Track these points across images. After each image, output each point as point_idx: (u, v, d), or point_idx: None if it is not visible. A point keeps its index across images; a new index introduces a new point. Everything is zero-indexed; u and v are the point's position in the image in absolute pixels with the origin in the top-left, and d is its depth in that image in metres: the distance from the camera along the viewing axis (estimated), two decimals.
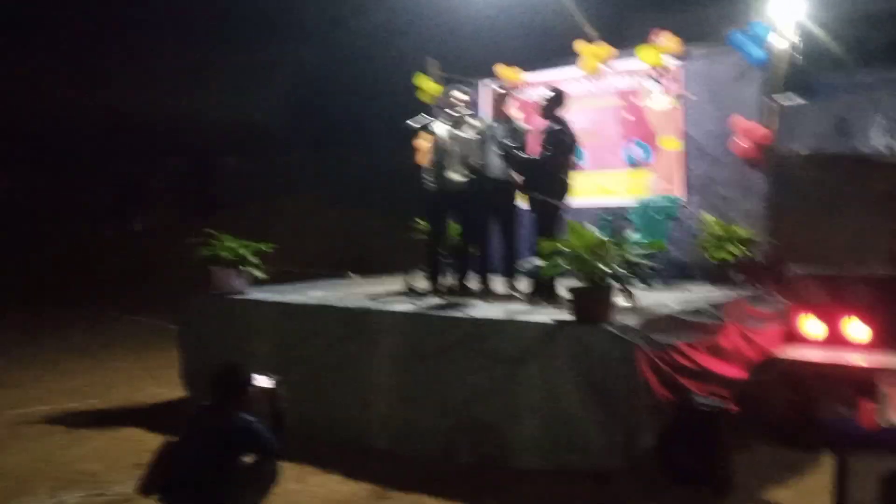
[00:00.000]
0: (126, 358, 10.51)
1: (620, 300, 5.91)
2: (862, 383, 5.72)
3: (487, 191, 7.56)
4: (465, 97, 7.84)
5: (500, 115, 7.76)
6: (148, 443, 5.98)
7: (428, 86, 10.08)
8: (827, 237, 8.76)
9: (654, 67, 8.96)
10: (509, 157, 7.29)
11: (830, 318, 7.18)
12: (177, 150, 16.47)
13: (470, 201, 7.64)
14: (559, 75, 9.45)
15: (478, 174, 7.55)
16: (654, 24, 9.23)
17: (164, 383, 8.49)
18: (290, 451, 4.56)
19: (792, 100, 8.65)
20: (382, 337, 6.55)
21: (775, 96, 8.24)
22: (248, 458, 4.40)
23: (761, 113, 8.29)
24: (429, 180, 7.74)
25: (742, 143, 8.30)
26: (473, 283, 7.88)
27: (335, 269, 9.70)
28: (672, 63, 8.90)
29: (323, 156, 16.37)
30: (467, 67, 10.23)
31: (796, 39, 8.18)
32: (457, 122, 7.63)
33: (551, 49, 10.09)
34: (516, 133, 7.53)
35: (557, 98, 7.34)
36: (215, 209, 13.47)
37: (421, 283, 7.86)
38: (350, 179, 15.51)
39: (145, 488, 4.38)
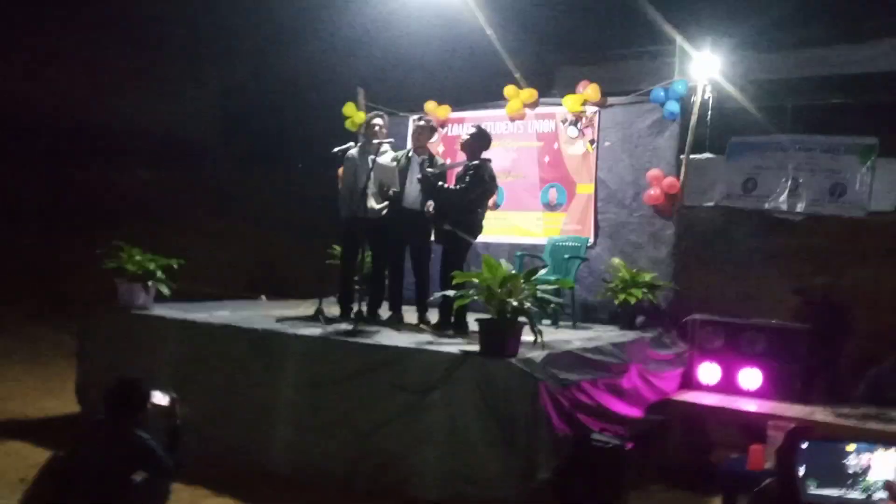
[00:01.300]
0: (19, 368, 10.10)
1: (527, 335, 6.00)
2: (752, 428, 5.93)
3: (403, 220, 7.59)
4: (383, 122, 7.82)
5: (423, 149, 7.82)
6: (35, 458, 5.73)
7: (356, 115, 10.13)
8: (728, 287, 9.15)
9: (574, 113, 9.25)
10: (427, 186, 7.31)
11: (726, 365, 7.44)
12: (81, 157, 15.95)
13: (385, 230, 7.65)
14: (485, 115, 9.72)
15: (395, 203, 7.57)
16: (580, 76, 9.53)
17: (58, 397, 8.18)
18: (186, 473, 4.45)
19: (703, 156, 9.03)
20: (288, 360, 6.48)
21: (687, 151, 8.53)
22: (139, 477, 4.28)
23: (673, 165, 8.58)
24: (344, 206, 7.69)
25: (653, 193, 8.55)
26: (384, 311, 7.87)
27: (247, 289, 9.56)
28: (591, 110, 9.19)
29: (246, 175, 16.17)
30: (398, 102, 10.33)
31: (712, 98, 8.57)
32: (375, 149, 7.61)
33: (480, 90, 10.34)
34: (435, 166, 7.57)
35: (481, 136, 7.43)
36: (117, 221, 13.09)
37: (332, 308, 7.80)
38: (271, 200, 15.35)
39: None
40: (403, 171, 7.66)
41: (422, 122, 8.01)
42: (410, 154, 7.80)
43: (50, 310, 11.79)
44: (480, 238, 7.50)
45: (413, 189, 7.53)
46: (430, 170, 7.41)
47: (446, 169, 7.61)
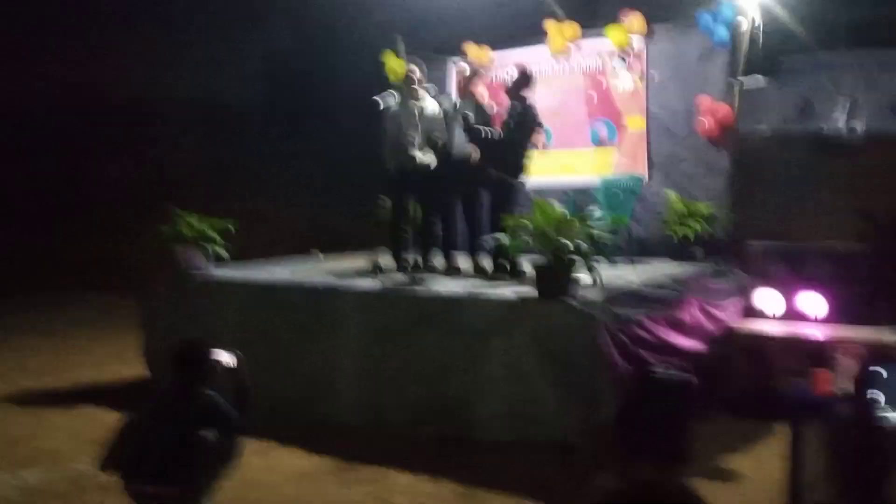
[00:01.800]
0: (90, 337, 10.43)
1: (584, 276, 5.96)
2: (817, 354, 5.84)
3: (452, 170, 7.54)
4: (418, 71, 7.72)
5: (466, 94, 7.72)
6: (109, 421, 5.90)
7: (396, 63, 9.98)
8: (788, 214, 8.93)
9: (620, 47, 9.03)
10: (471, 132, 7.24)
11: (788, 292, 7.30)
12: (134, 133, 16.22)
13: (434, 180, 7.61)
14: (527, 55, 9.42)
15: (441, 152, 7.52)
16: (622, 3, 9.28)
17: (127, 362, 8.42)
18: (254, 428, 4.54)
19: (755, 81, 8.76)
20: (347, 314, 6.56)
21: (739, 77, 8.33)
22: (210, 435, 4.39)
23: (725, 93, 8.39)
24: (390, 159, 7.66)
25: (705, 123, 8.37)
26: (438, 260, 7.87)
27: (303, 248, 9.63)
28: (638, 42, 8.97)
29: (292, 135, 16.23)
30: (436, 46, 10.16)
31: (760, 21, 8.28)
32: (417, 97, 7.53)
33: (520, 28, 10.08)
34: (481, 112, 7.49)
35: (524, 78, 7.35)
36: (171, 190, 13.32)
37: (386, 260, 7.84)
38: (317, 158, 15.40)
39: (106, 465, 4.34)
40: (450, 119, 7.60)
41: (464, 67, 7.91)
42: (456, 102, 7.70)
43: (115, 279, 12.08)
44: (531, 181, 7.42)
45: (460, 137, 7.47)
46: (467, 114, 7.34)
47: (489, 114, 7.50)
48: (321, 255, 9.22)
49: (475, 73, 7.96)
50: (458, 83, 7.91)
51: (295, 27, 16.47)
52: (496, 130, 7.20)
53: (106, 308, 12.30)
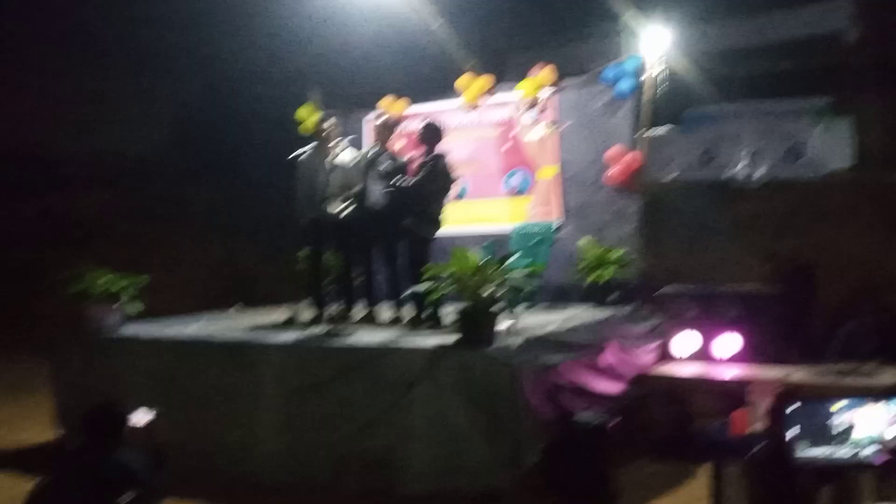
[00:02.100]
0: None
1: (504, 323, 6.00)
2: (732, 395, 5.99)
3: (368, 219, 7.50)
4: (333, 123, 7.74)
5: (384, 146, 7.73)
6: (21, 487, 5.61)
7: (310, 118, 9.81)
8: (695, 258, 9.22)
9: (530, 98, 9.23)
10: (386, 181, 7.25)
11: (702, 334, 7.49)
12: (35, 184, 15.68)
13: (350, 230, 7.52)
14: (441, 107, 9.57)
15: (358, 203, 7.49)
16: (533, 57, 9.52)
17: (38, 424, 8.01)
18: (173, 489, 4.38)
19: (660, 130, 9.06)
20: (266, 369, 6.43)
21: (644, 127, 8.57)
22: (126, 499, 4.21)
23: (632, 141, 8.62)
24: (304, 209, 7.59)
25: (614, 171, 8.57)
26: (358, 310, 7.82)
27: (218, 302, 9.42)
28: (547, 93, 9.17)
29: (203, 187, 15.93)
30: (351, 99, 10.19)
31: (665, 73, 8.54)
32: (330, 151, 7.55)
33: (433, 81, 10.25)
34: (396, 164, 7.51)
35: (431, 130, 7.38)
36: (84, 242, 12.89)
37: (305, 312, 7.74)
38: (231, 207, 15.12)
39: None
40: (363, 169, 7.57)
41: (380, 121, 7.95)
42: (371, 152, 7.72)
43: (23, 338, 11.55)
44: (447, 230, 7.46)
45: (375, 187, 7.46)
46: (382, 168, 7.35)
47: (403, 165, 7.52)
48: (238, 309, 9.02)
49: (391, 123, 7.99)
50: (376, 132, 7.91)
51: (205, 79, 16.31)
52: (411, 180, 7.22)
53: (9, 366, 11.72)
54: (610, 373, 6.70)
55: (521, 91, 9.27)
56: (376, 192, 7.47)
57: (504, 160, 9.52)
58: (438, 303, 6.82)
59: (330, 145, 7.55)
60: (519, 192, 9.40)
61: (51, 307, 8.03)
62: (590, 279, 8.30)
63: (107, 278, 7.43)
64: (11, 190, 15.51)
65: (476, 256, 6.14)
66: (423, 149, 7.37)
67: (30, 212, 15.68)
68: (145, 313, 7.71)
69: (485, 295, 5.78)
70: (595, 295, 8.31)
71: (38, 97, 15.50)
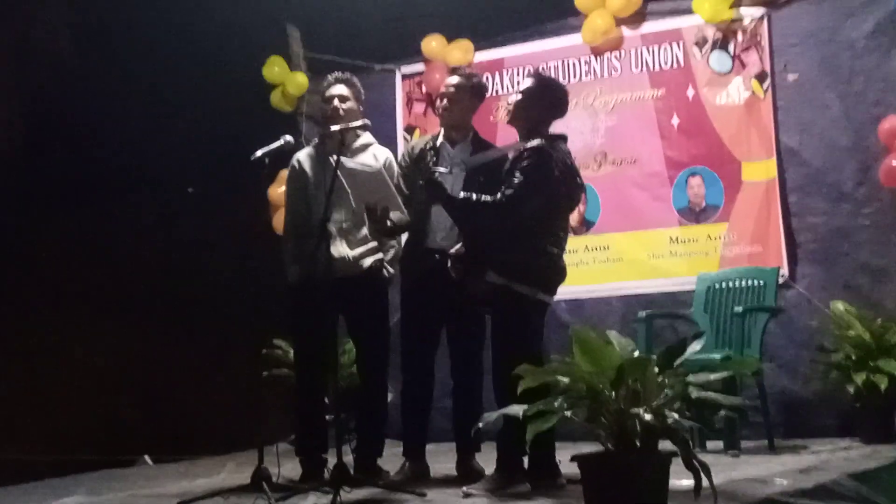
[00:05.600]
0: None
1: (682, 482, 3.53)
2: None
3: (426, 276, 4.74)
4: (350, 91, 4.77)
5: (461, 129, 4.82)
6: None
7: (290, 79, 6.59)
8: None
9: (719, 26, 6.06)
10: (445, 200, 4.44)
11: None
12: None
13: (382, 299, 4.84)
14: (544, 50, 6.59)
15: (411, 243, 4.84)
16: None
17: None
18: None
19: None
20: None
21: None
22: None
23: None
24: (295, 261, 4.74)
25: None
26: (389, 462, 4.93)
27: (116, 449, 6.02)
28: (752, 14, 5.95)
29: (64, 218, 6.83)
30: (365, 45, 6.63)
31: None
32: (342, 144, 4.39)
33: (525, 7, 6.63)
34: (491, 157, 4.65)
35: (541, 94, 4.53)
36: None
37: (284, 465, 4.57)
38: (122, 271, 6.40)
39: None
40: (404, 178, 4.75)
41: (453, 81, 4.86)
42: (437, 143, 4.81)
43: None
44: (564, 289, 4.62)
45: (439, 214, 4.65)
46: (440, 169, 4.58)
47: (503, 160, 4.56)
48: (149, 460, 6.12)
49: (477, 84, 4.95)
50: (443, 108, 4.84)
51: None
52: (487, 197, 4.40)
53: None
54: None
55: (698, 15, 6.10)
56: (442, 224, 4.65)
57: (671, 149, 6.20)
58: (549, 439, 4.06)
59: (345, 135, 4.42)
60: (701, 212, 6.19)
61: None
62: (855, 383, 5.23)
63: None
64: None
65: (619, 341, 3.72)
66: (519, 127, 4.51)
67: None
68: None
69: (642, 423, 3.27)
70: (865, 418, 5.29)
71: None
